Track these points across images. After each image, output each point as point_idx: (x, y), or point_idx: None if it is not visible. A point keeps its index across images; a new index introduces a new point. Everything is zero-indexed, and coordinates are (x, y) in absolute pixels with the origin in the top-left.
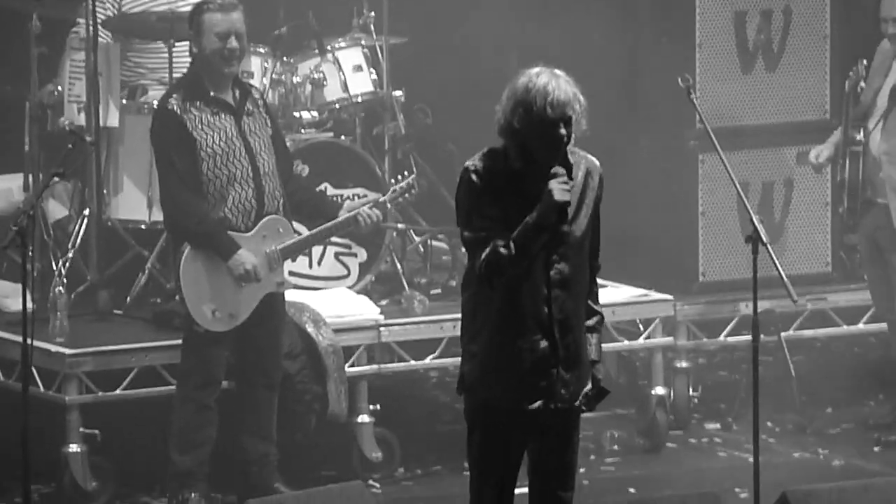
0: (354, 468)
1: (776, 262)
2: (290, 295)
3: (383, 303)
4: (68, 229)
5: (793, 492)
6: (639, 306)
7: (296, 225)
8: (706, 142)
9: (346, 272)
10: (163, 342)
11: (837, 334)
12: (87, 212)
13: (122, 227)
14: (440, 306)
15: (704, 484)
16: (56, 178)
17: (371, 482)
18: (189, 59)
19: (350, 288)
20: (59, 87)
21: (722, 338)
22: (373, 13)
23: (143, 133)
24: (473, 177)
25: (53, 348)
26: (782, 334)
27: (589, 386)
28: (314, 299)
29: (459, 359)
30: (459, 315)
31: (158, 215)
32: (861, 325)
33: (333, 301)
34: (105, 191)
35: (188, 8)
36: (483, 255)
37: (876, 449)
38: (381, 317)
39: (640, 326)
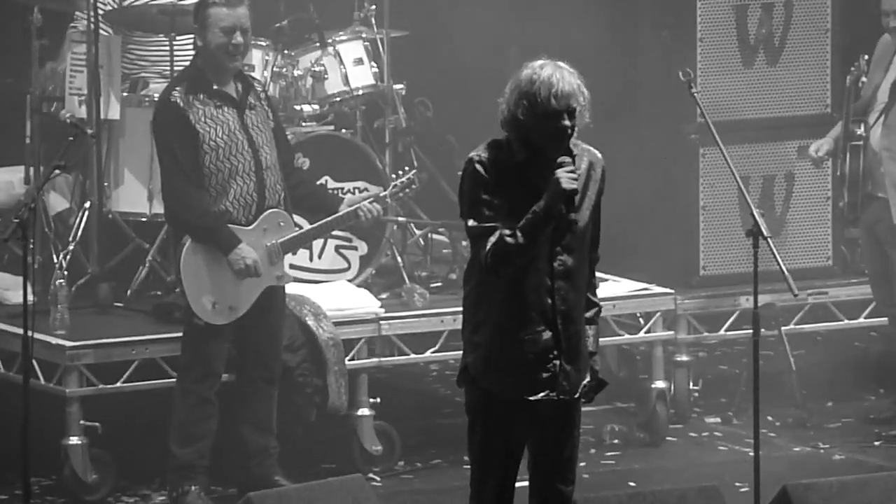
0: (355, 461)
1: (777, 255)
2: (291, 288)
3: (384, 296)
4: (69, 222)
5: (793, 486)
6: (639, 300)
7: (296, 218)
8: (707, 136)
9: (346, 265)
10: (163, 335)
11: (838, 328)
12: (87, 204)
13: (122, 219)
14: (441, 300)
15: (705, 478)
16: (57, 171)
17: (371, 475)
18: (191, 52)
19: (350, 281)
20: (60, 69)
21: (722, 331)
22: (374, 6)
23: (144, 126)
24: (478, 167)
25: (54, 340)
26: (783, 328)
27: (588, 378)
28: (315, 292)
29: (460, 352)
30: (460, 308)
31: (159, 208)
32: (862, 319)
33: (334, 294)
34: (106, 183)
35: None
36: (489, 245)
37: (877, 443)
38: (382, 310)
39: (641, 320)
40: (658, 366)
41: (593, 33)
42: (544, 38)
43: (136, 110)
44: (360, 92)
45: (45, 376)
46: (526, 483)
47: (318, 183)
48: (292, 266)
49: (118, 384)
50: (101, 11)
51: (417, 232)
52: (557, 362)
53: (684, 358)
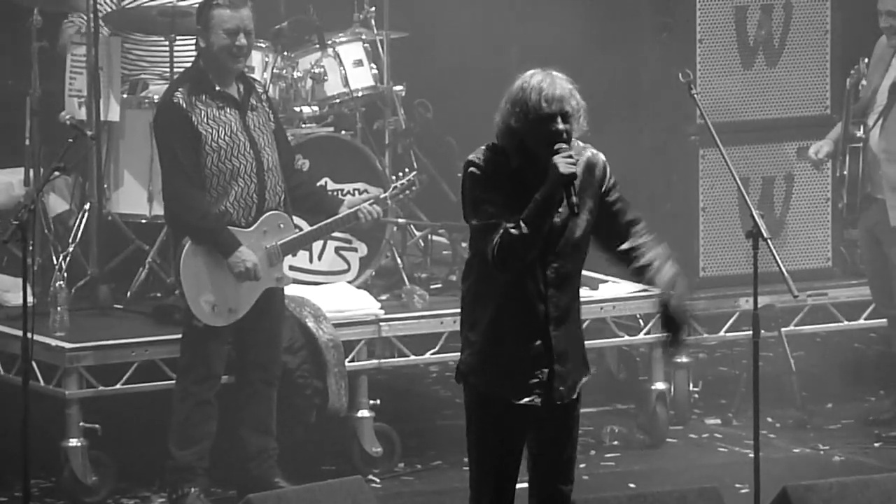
0: (354, 463)
1: (777, 257)
2: (291, 289)
3: (383, 297)
4: (69, 223)
5: (793, 487)
6: (639, 301)
7: (296, 220)
8: (707, 137)
9: (346, 267)
10: (163, 336)
11: (838, 329)
12: (87, 206)
13: (122, 221)
14: (440, 301)
15: (705, 479)
16: (57, 173)
17: (371, 477)
18: (191, 53)
19: (350, 283)
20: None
21: (722, 333)
22: (373, 8)
23: (143, 127)
24: (476, 169)
25: (54, 342)
26: (783, 329)
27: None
28: (314, 294)
29: (459, 353)
30: (459, 309)
31: (159, 210)
32: (861, 321)
33: (334, 296)
34: (105, 185)
35: (191, 2)
36: (495, 240)
37: (876, 444)
38: (382, 311)
39: (641, 322)
40: (658, 367)
41: (593, 35)
42: (543, 39)
43: (135, 112)
44: (360, 93)
45: (45, 378)
46: (526, 485)
47: (318, 184)
48: (292, 267)
49: (118, 386)
50: (100, 13)
51: (417, 233)
52: (546, 370)
53: (684, 359)
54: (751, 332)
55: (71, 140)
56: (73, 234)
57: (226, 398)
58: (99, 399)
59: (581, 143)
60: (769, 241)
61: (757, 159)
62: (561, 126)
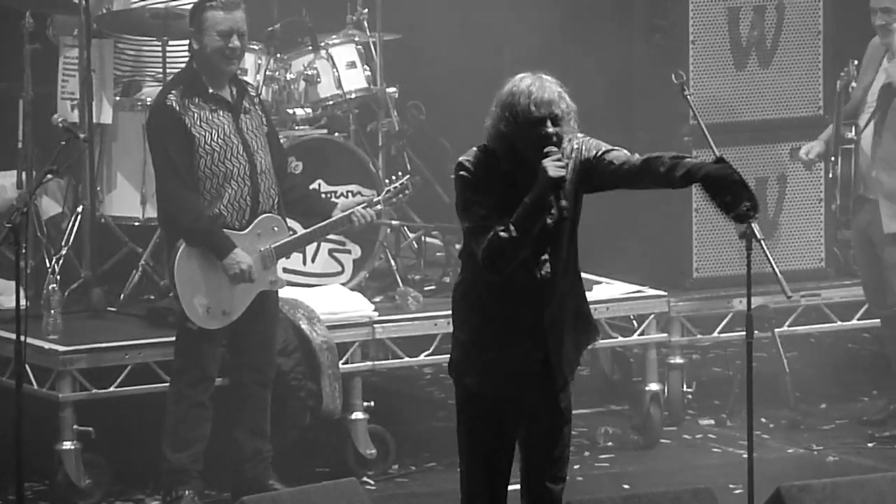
0: (349, 465)
1: (770, 257)
2: (285, 291)
3: (377, 299)
4: (62, 226)
5: (787, 487)
6: (633, 302)
7: (290, 222)
8: (700, 138)
9: (340, 269)
10: (156, 339)
11: (831, 330)
12: (80, 209)
13: (115, 223)
14: (434, 303)
15: (698, 480)
16: (49, 175)
17: (365, 479)
18: (184, 54)
19: (344, 285)
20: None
21: (716, 334)
22: (366, 10)
23: (136, 130)
24: (465, 173)
25: (47, 345)
26: (776, 330)
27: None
28: (308, 296)
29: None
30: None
31: (152, 212)
32: (855, 321)
33: (327, 298)
34: (99, 188)
35: (184, 4)
36: (485, 243)
37: (870, 445)
38: (376, 313)
39: (635, 323)
40: (652, 368)
41: (586, 36)
42: (536, 41)
43: (128, 114)
44: (353, 95)
45: (38, 381)
46: (518, 486)
47: (312, 187)
48: (286, 270)
49: (111, 389)
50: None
51: (411, 235)
52: (539, 362)
53: (678, 360)
54: (744, 333)
55: (64, 143)
56: (66, 237)
57: (220, 400)
58: (93, 402)
59: (571, 134)
60: (762, 241)
61: (750, 160)
62: (550, 129)
